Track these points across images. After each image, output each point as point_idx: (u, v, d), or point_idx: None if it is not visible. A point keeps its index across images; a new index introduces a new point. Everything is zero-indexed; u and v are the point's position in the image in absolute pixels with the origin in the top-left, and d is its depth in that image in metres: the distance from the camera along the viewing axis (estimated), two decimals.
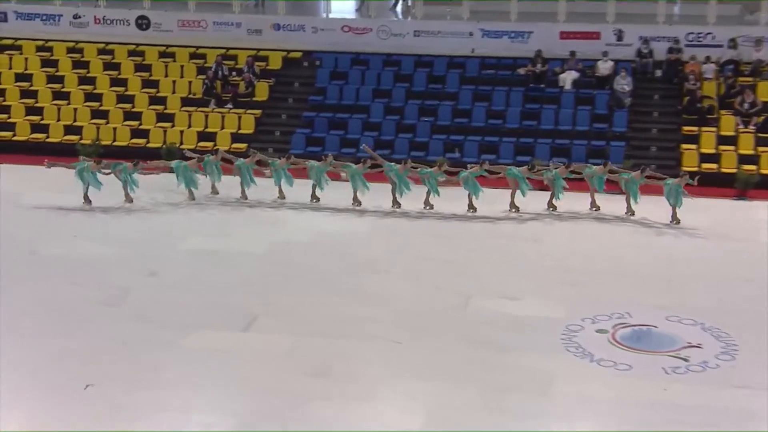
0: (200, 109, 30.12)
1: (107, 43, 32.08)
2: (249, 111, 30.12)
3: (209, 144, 28.96)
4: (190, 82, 30.97)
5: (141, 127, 29.63)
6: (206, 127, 29.68)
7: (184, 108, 30.20)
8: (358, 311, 18.66)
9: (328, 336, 17.60)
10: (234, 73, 31.01)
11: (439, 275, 20.40)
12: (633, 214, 23.87)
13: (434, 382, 15.87)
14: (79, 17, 32.26)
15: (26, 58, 31.76)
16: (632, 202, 23.82)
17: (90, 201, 24.13)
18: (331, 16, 32.88)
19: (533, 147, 28.23)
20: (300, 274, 20.50)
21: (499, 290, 19.58)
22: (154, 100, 30.53)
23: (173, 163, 24.71)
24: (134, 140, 28.79)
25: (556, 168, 24.43)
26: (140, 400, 15.40)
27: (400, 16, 33.81)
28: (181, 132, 29.40)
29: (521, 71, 30.32)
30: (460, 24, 31.36)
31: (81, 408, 15.15)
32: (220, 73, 30.75)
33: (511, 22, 31.16)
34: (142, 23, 32.13)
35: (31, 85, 31.09)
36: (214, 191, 25.21)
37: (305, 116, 30.00)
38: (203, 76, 30.80)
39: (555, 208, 24.28)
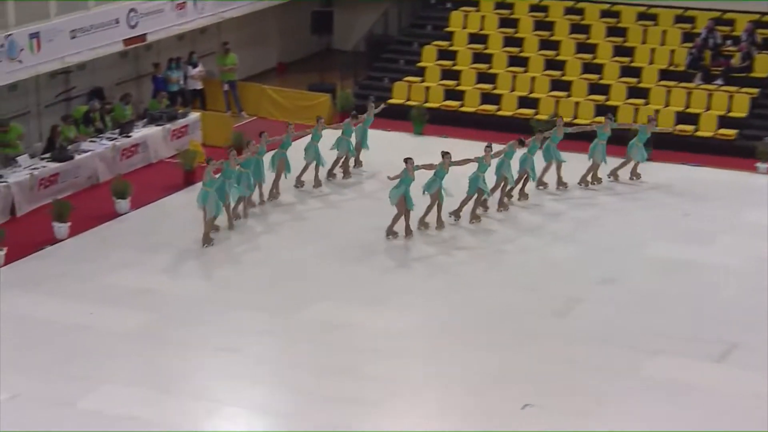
0: (681, 84, 30.04)
1: (576, 1, 32.69)
2: (743, 89, 29.55)
3: (689, 128, 28.82)
4: (672, 51, 30.87)
5: (608, 102, 30.04)
6: (687, 106, 29.55)
7: (661, 82, 30.24)
8: None
9: None
10: (729, 42, 30.51)
11: None
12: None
13: None
14: None
15: (483, 16, 33.13)
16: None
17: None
18: None
19: None
20: None
21: None
22: (627, 71, 30.77)
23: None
24: (599, 118, 28.92)
25: None
26: (578, 427, 15.76)
27: None
28: (656, 111, 29.34)
29: None
30: None
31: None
32: (710, 41, 30.37)
33: None
34: None
35: (485, 48, 32.41)
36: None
37: None
38: (689, 44, 30.59)
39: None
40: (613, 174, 26.14)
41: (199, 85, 31.52)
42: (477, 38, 32.68)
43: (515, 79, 31.24)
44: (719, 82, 29.89)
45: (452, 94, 31.27)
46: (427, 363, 17.88)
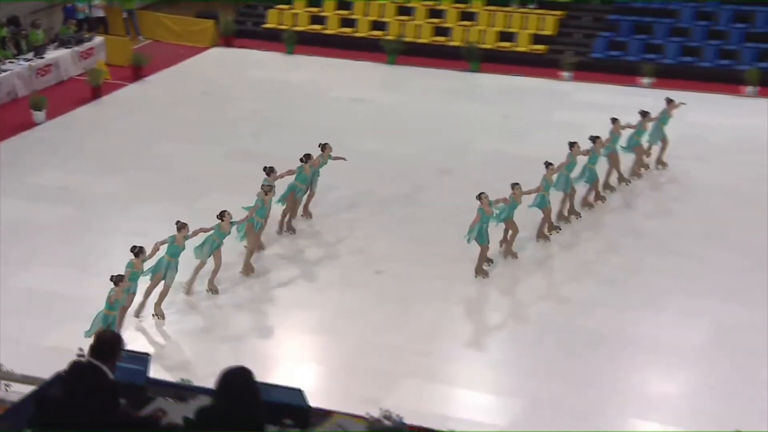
0: (504, 8, 34.99)
1: None
2: (552, 12, 34.76)
3: (509, 44, 34.15)
4: None
5: (443, 24, 35.23)
6: (508, 26, 34.60)
7: (488, 6, 35.17)
8: None
9: None
10: None
11: None
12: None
13: None
14: None
15: None
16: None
17: None
18: None
19: None
20: None
21: None
22: None
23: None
24: (436, 38, 34.59)
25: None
26: None
27: None
28: (482, 32, 34.62)
29: None
30: None
31: None
32: None
33: None
34: None
35: None
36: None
37: (610, 19, 34.51)
38: None
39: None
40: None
41: (102, 13, 35.65)
42: None
43: (368, 5, 36.05)
44: (533, 5, 35.06)
45: (317, 19, 36.18)
46: None
